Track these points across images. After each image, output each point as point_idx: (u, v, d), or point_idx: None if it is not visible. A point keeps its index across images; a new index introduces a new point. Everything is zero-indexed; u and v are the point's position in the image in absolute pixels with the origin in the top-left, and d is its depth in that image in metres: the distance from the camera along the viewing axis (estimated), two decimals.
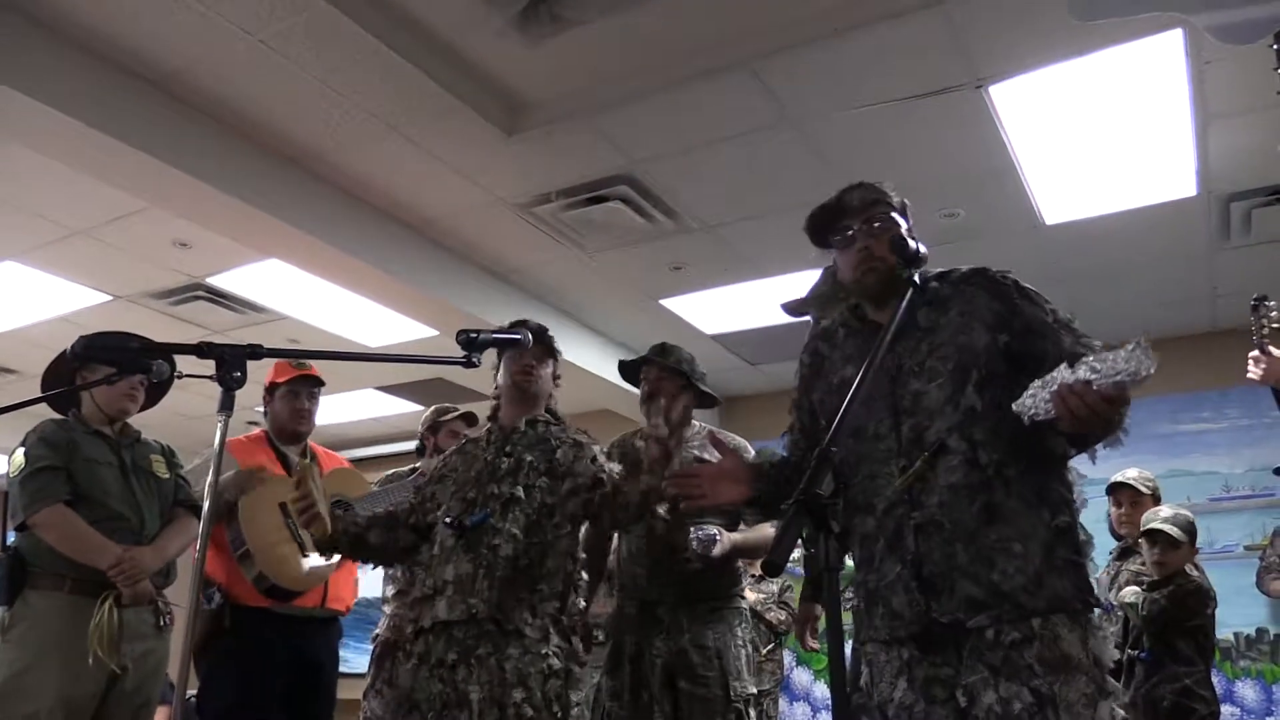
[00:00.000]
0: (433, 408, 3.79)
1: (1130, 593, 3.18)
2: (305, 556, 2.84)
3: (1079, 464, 1.65)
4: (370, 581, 4.04)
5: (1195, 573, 3.21)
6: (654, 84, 3.27)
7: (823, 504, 1.26)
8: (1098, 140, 3.55)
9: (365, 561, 2.46)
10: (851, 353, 1.81)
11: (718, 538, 2.63)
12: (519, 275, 4.93)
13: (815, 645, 3.03)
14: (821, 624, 3.08)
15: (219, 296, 5.04)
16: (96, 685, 2.46)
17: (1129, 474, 3.48)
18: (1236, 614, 4.67)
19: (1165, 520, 3.19)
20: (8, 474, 2.57)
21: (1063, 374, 1.40)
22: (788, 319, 5.19)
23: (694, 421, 3.02)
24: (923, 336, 1.70)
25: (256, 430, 3.12)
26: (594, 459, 2.34)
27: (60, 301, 5.05)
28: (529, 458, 2.30)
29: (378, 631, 3.54)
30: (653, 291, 5.08)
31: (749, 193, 3.99)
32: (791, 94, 3.32)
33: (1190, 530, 3.21)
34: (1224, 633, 3.79)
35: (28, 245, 4.44)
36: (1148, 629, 3.11)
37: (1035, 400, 1.44)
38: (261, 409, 3.10)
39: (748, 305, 5.15)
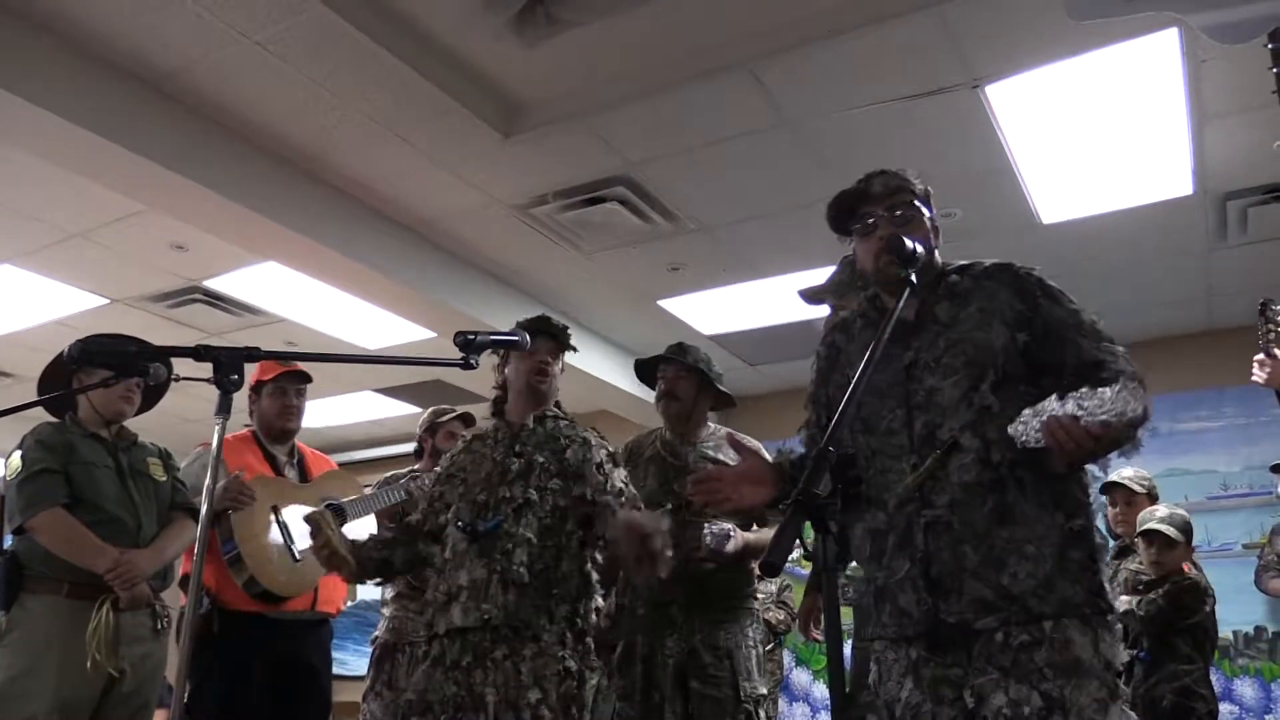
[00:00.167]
0: (430, 409, 3.79)
1: (1121, 603, 3.18)
2: (298, 560, 2.81)
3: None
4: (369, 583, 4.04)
5: (1193, 571, 3.21)
6: (651, 85, 3.27)
7: (820, 504, 1.26)
8: (1094, 139, 3.55)
9: (398, 576, 2.43)
10: (868, 345, 1.76)
11: (731, 534, 2.63)
12: (517, 277, 4.92)
13: (818, 636, 3.03)
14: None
15: (216, 299, 5.03)
16: (94, 689, 2.45)
17: (1124, 473, 3.48)
18: (1235, 612, 4.68)
19: (1161, 520, 3.20)
20: (4, 477, 2.57)
21: (1051, 406, 1.42)
22: (786, 319, 5.25)
23: (709, 423, 3.02)
24: (940, 331, 1.68)
25: (243, 429, 3.08)
26: (600, 465, 2.32)
27: (57, 305, 5.04)
28: (540, 458, 2.29)
29: (377, 634, 3.53)
30: (651, 292, 5.08)
31: (746, 193, 4.00)
32: (788, 95, 3.32)
33: (1187, 529, 3.22)
34: (1222, 631, 3.79)
35: (24, 248, 4.43)
36: (1147, 630, 3.11)
37: (1027, 428, 1.46)
38: (247, 408, 3.08)
39: (746, 306, 5.15)
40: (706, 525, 2.65)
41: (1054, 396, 1.43)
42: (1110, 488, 3.51)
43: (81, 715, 2.44)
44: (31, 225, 4.21)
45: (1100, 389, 1.41)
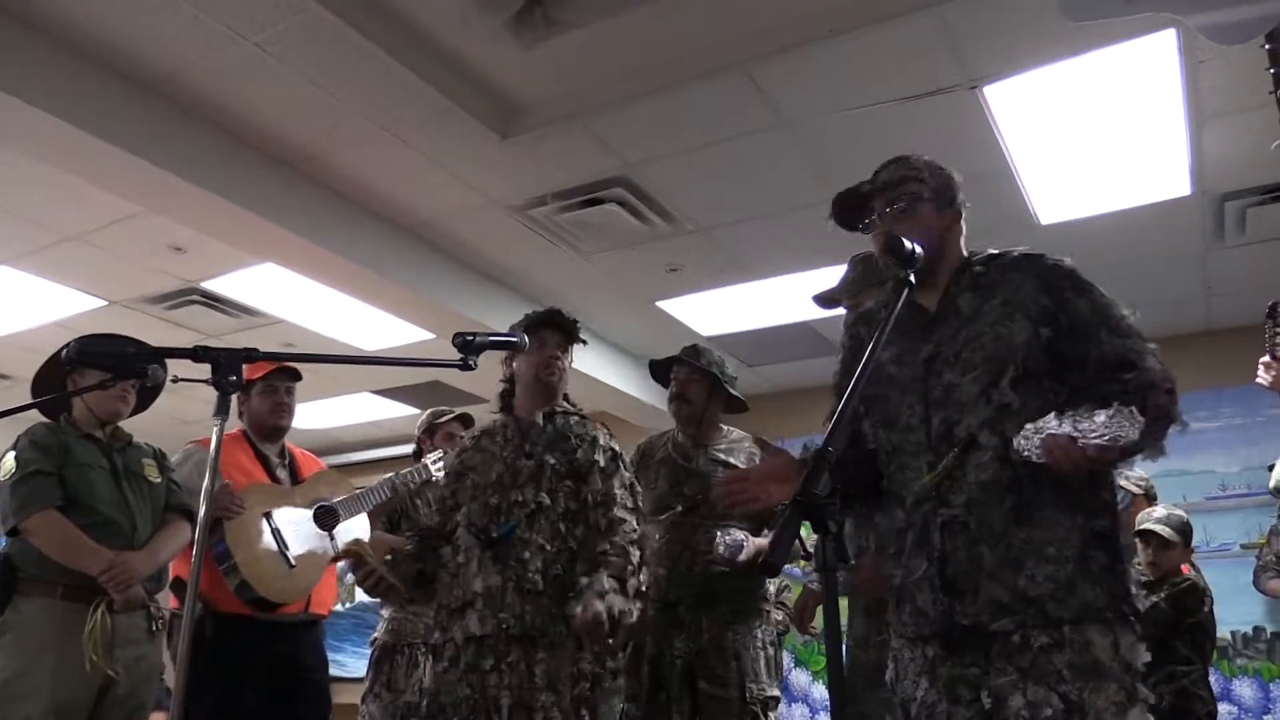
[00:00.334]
0: (429, 411, 3.79)
1: None
2: (293, 567, 2.80)
3: None
4: None
5: (1192, 572, 3.21)
6: (649, 86, 3.26)
7: (820, 504, 1.26)
8: (1092, 140, 3.55)
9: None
10: (893, 337, 1.72)
11: (744, 543, 2.63)
12: (515, 278, 4.92)
13: (814, 630, 3.03)
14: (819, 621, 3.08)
15: (214, 301, 5.02)
16: (89, 691, 2.44)
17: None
18: (1233, 612, 4.68)
19: (1158, 521, 3.20)
20: None
21: (1050, 424, 1.42)
22: (785, 320, 5.25)
23: (721, 425, 3.01)
24: (961, 325, 1.64)
25: (233, 429, 3.05)
26: (603, 469, 2.29)
27: (54, 306, 5.03)
28: (551, 459, 2.27)
29: (376, 635, 3.53)
30: (649, 293, 5.08)
31: (745, 194, 3.99)
32: (786, 96, 3.32)
33: (1184, 530, 3.22)
34: (1221, 631, 3.79)
35: (21, 250, 4.42)
36: (1147, 632, 3.11)
37: (1029, 443, 1.45)
38: (237, 408, 3.06)
39: (744, 307, 5.15)
40: (720, 534, 2.64)
41: (1053, 414, 1.43)
42: None
43: (77, 718, 2.43)
44: (29, 227, 4.20)
45: (1096, 411, 1.40)
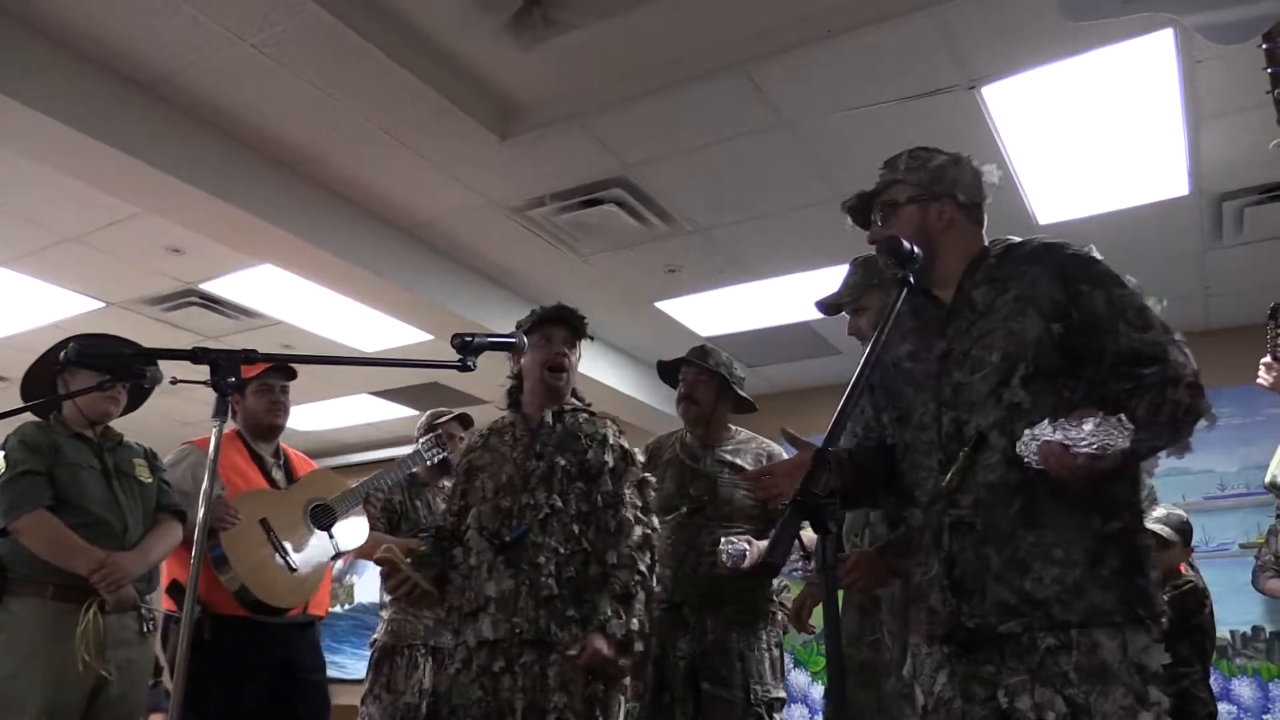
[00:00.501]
0: (428, 412, 3.79)
1: None
2: (294, 571, 2.79)
3: None
4: (368, 587, 4.04)
5: (1190, 572, 3.22)
6: (648, 87, 3.26)
7: (819, 504, 1.26)
8: (1090, 140, 3.56)
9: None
10: (910, 331, 1.71)
11: (746, 551, 2.63)
12: (513, 279, 4.92)
13: (812, 628, 3.03)
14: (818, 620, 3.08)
15: (212, 302, 5.02)
16: (82, 692, 2.42)
17: None
18: (1233, 612, 4.68)
19: (1156, 520, 3.20)
20: None
21: (1045, 431, 1.41)
22: (783, 321, 5.24)
23: (729, 425, 3.01)
24: (974, 320, 1.60)
25: (228, 429, 3.05)
26: (612, 469, 2.28)
27: (52, 308, 5.03)
28: (561, 461, 2.25)
29: (376, 637, 3.53)
30: (648, 294, 5.07)
31: (743, 195, 3.99)
32: (785, 96, 3.32)
33: (1183, 530, 3.22)
34: (1220, 631, 3.79)
35: (18, 252, 4.42)
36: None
37: (1027, 449, 1.44)
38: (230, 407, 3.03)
39: (743, 307, 5.15)
40: (723, 540, 2.65)
41: (1046, 421, 1.42)
42: None
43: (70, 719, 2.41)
44: (27, 228, 4.20)
45: (1085, 419, 1.38)
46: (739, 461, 2.87)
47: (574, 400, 2.41)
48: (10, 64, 2.92)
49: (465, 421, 3.76)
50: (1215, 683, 3.59)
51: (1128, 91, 3.25)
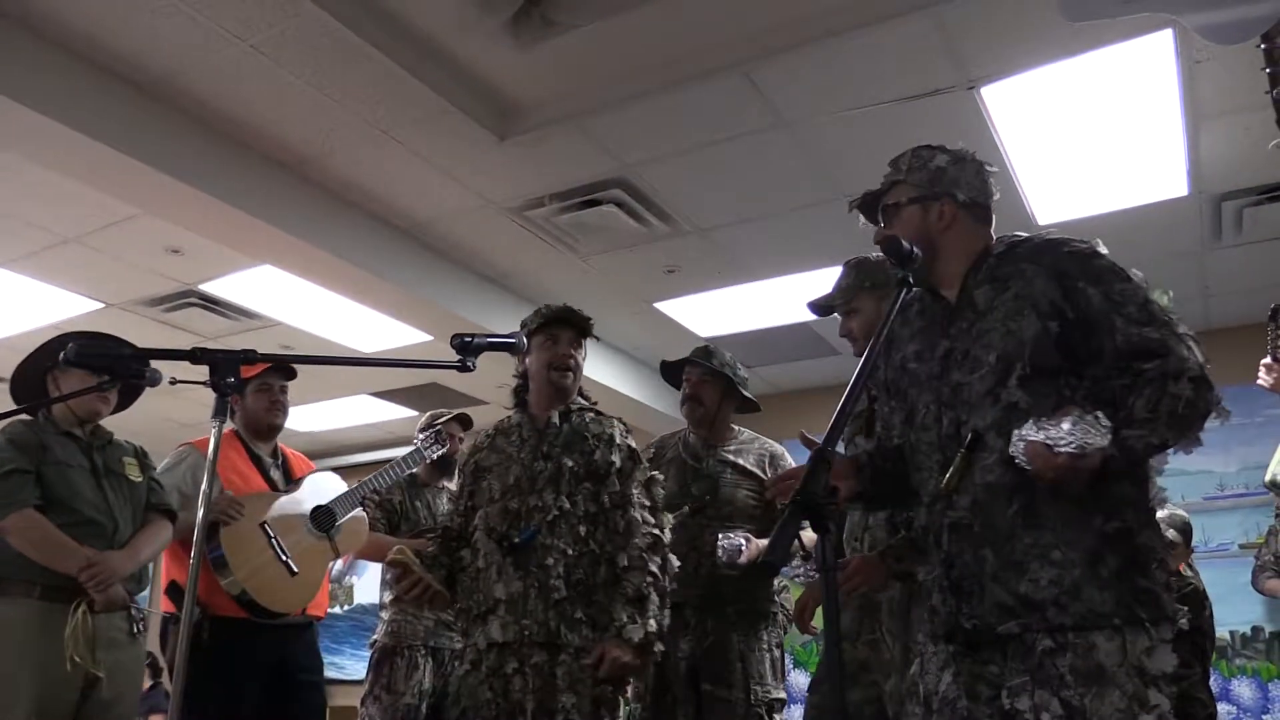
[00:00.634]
0: (428, 413, 3.79)
1: None
2: (295, 574, 2.78)
3: None
4: (367, 587, 4.04)
5: (1189, 573, 3.22)
6: (647, 87, 3.26)
7: (819, 504, 1.26)
8: (1089, 141, 3.56)
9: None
10: (918, 330, 1.71)
11: (743, 547, 2.63)
12: (513, 279, 4.92)
13: (814, 629, 3.02)
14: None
15: (211, 303, 5.02)
16: (72, 693, 2.41)
17: None
18: (1232, 613, 4.68)
19: (1158, 521, 3.20)
20: None
21: (1028, 431, 1.40)
22: (783, 321, 5.24)
23: (733, 425, 3.01)
24: (975, 320, 1.59)
25: (225, 429, 3.03)
26: (619, 470, 2.28)
27: (51, 309, 5.02)
28: (568, 462, 2.25)
29: (375, 637, 3.53)
30: (647, 295, 5.08)
31: (743, 196, 3.99)
32: (784, 97, 3.32)
33: (1185, 530, 3.22)
34: (1220, 631, 3.80)
35: (18, 253, 4.42)
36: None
37: (1016, 449, 1.43)
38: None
39: (742, 308, 5.15)
40: (721, 536, 2.64)
41: (1030, 421, 1.41)
42: None
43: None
44: (26, 229, 4.19)
45: (1062, 419, 1.37)
46: (741, 462, 2.87)
47: (580, 400, 2.41)
48: (10, 64, 2.91)
49: (465, 422, 3.76)
50: (1215, 683, 3.60)
51: (1127, 92, 3.25)
